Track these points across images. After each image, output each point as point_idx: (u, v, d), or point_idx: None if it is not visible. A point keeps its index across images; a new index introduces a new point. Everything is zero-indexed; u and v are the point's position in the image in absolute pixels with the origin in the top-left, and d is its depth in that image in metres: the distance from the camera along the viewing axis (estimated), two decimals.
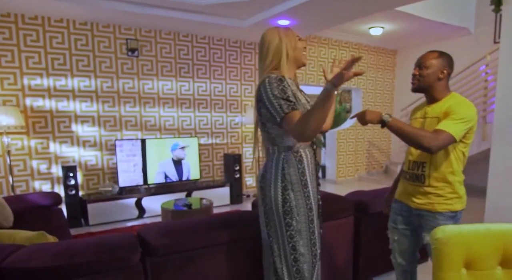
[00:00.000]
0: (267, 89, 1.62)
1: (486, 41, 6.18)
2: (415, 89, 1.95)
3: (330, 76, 1.71)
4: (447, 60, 1.88)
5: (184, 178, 5.23)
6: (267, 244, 1.80)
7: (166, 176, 5.10)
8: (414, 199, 1.94)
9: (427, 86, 1.90)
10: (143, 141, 4.93)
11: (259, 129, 1.82)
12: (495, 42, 6.00)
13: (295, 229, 1.68)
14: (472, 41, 6.44)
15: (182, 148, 5.15)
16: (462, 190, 1.90)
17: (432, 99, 1.93)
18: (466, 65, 5.77)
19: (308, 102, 1.80)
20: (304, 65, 1.84)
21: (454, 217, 1.87)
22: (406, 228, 2.04)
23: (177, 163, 5.15)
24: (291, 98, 1.60)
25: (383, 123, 1.78)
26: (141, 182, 4.90)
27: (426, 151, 1.73)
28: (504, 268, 1.43)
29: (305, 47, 1.82)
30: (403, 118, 7.07)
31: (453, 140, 1.72)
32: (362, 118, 1.83)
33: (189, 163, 5.27)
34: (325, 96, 1.43)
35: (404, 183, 2.04)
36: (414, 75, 1.92)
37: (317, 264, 1.77)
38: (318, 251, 1.76)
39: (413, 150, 1.96)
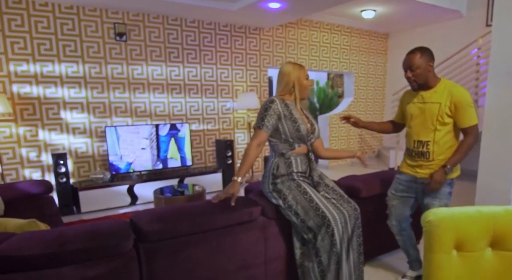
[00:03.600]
0: (262, 105, 2.23)
1: (478, 24, 6.16)
2: (417, 89, 2.25)
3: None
4: (428, 54, 2.16)
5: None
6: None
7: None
8: (419, 170, 2.30)
9: (425, 82, 2.18)
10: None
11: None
12: (487, 25, 5.98)
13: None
14: (464, 24, 6.41)
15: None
16: None
17: (426, 87, 2.22)
18: (458, 49, 5.75)
19: (310, 121, 2.31)
20: (304, 98, 2.31)
21: (451, 183, 2.25)
22: (405, 195, 2.43)
23: None
24: (266, 118, 2.15)
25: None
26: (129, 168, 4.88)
27: None
28: (493, 249, 1.45)
29: (311, 85, 2.33)
30: (395, 102, 7.09)
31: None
32: (435, 184, 2.13)
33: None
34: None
35: (408, 158, 2.38)
36: (409, 78, 2.20)
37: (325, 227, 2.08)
38: (322, 214, 2.08)
39: (416, 131, 2.29)
